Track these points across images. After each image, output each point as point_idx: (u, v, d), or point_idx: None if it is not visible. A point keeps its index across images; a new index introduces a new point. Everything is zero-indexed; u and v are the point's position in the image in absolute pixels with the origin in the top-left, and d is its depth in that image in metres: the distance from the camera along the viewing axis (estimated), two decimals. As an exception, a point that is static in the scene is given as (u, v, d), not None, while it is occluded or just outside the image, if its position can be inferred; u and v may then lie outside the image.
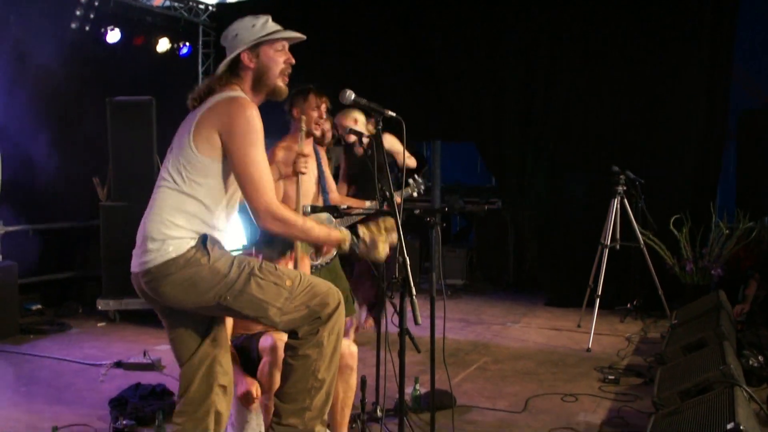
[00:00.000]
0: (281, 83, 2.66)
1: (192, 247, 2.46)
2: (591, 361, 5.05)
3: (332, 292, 2.63)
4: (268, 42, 2.61)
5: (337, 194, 4.11)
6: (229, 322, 3.25)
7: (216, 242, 2.52)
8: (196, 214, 2.49)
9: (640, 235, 5.90)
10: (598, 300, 5.62)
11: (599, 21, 6.83)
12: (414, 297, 2.36)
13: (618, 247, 5.84)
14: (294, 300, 2.54)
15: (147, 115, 6.34)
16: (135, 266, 2.52)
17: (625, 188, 5.81)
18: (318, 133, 3.74)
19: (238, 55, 2.60)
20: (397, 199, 4.08)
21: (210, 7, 8.91)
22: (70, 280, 6.91)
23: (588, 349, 5.35)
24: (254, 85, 2.63)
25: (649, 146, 6.66)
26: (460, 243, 8.82)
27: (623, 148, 6.63)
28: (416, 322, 2.36)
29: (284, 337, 2.74)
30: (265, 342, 3.07)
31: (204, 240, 2.47)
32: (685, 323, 5.12)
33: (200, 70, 9.01)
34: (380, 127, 2.70)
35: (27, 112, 6.43)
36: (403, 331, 2.46)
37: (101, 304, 6.18)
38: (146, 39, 7.95)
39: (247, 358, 3.20)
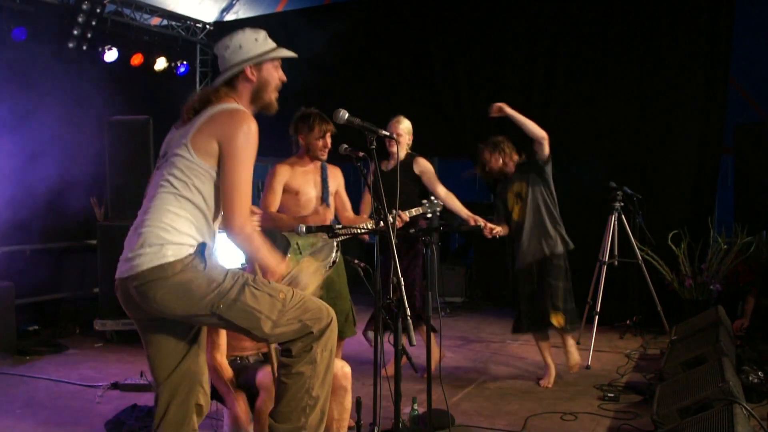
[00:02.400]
0: (274, 99, 2.70)
1: (191, 254, 2.43)
2: (590, 379, 5.02)
3: (324, 309, 2.63)
4: (269, 58, 2.64)
5: (350, 213, 4.19)
6: (223, 344, 3.25)
7: (212, 253, 2.53)
8: (196, 220, 2.49)
9: (638, 251, 5.89)
10: (597, 317, 5.60)
11: (596, 38, 6.85)
12: (408, 318, 2.35)
13: (616, 263, 5.82)
14: (287, 313, 2.54)
15: (144, 134, 6.36)
16: (123, 271, 2.47)
17: (622, 204, 5.81)
18: (324, 157, 3.98)
19: (243, 68, 2.61)
20: (405, 216, 4.13)
21: (207, 26, 8.97)
22: (67, 300, 6.89)
23: (587, 367, 5.32)
24: (252, 99, 2.65)
25: (646, 161, 6.67)
26: (459, 260, 8.80)
27: (621, 163, 6.64)
28: (410, 343, 2.35)
29: None
30: (264, 378, 3.05)
31: (203, 248, 2.47)
32: (684, 339, 5.10)
33: (198, 88, 9.05)
34: (374, 147, 2.69)
35: (23, 131, 6.45)
36: (398, 352, 2.45)
37: (98, 325, 6.15)
38: (144, 58, 8.00)
39: (242, 386, 3.18)
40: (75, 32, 7.14)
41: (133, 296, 2.47)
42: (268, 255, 2.63)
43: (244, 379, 3.22)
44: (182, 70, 8.42)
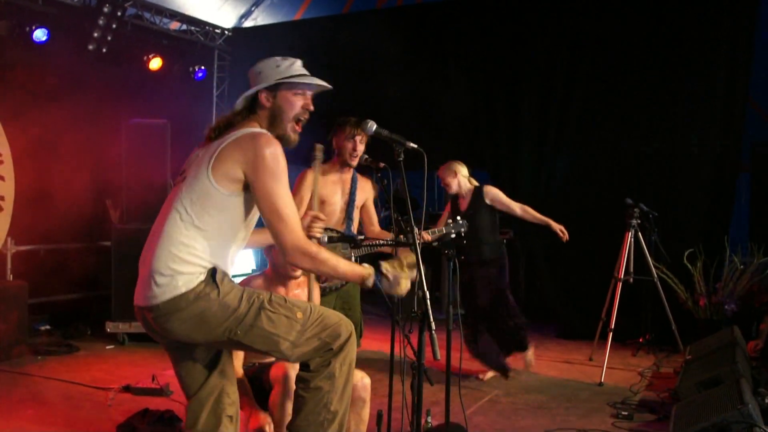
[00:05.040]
0: (291, 131, 2.62)
1: (201, 282, 2.40)
2: (604, 396, 4.98)
3: (343, 323, 2.61)
4: (288, 85, 2.60)
5: (377, 227, 4.17)
6: (240, 352, 3.24)
7: (225, 275, 2.48)
8: (206, 248, 2.43)
9: (654, 269, 5.85)
10: (611, 334, 5.56)
11: (614, 56, 6.84)
12: (433, 332, 2.33)
13: (632, 280, 5.79)
14: (305, 332, 2.51)
15: (162, 138, 6.38)
16: (140, 300, 2.45)
17: (639, 221, 5.78)
18: (354, 162, 3.95)
19: (257, 92, 2.60)
20: (426, 236, 4.10)
21: (226, 32, 9.01)
22: (80, 301, 6.91)
23: (600, 384, 5.28)
24: (269, 125, 2.60)
25: (662, 179, 6.65)
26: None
27: (637, 180, 6.62)
28: (435, 357, 2.33)
29: (296, 366, 2.72)
30: (276, 371, 3.05)
31: (213, 273, 2.42)
32: (699, 359, 5.05)
33: (215, 93, 9.09)
34: (401, 159, 2.68)
35: (41, 132, 6.49)
36: (421, 366, 2.43)
37: (110, 327, 6.17)
38: (163, 62, 8.03)
39: (259, 389, 3.17)
40: (96, 35, 7.19)
41: (152, 325, 2.49)
42: (351, 269, 2.56)
43: (260, 382, 3.21)
44: (200, 75, 8.45)
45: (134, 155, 6.33)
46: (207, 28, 8.82)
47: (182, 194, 2.47)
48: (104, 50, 7.27)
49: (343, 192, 4.03)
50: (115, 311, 6.20)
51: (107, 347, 6.13)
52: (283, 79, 2.58)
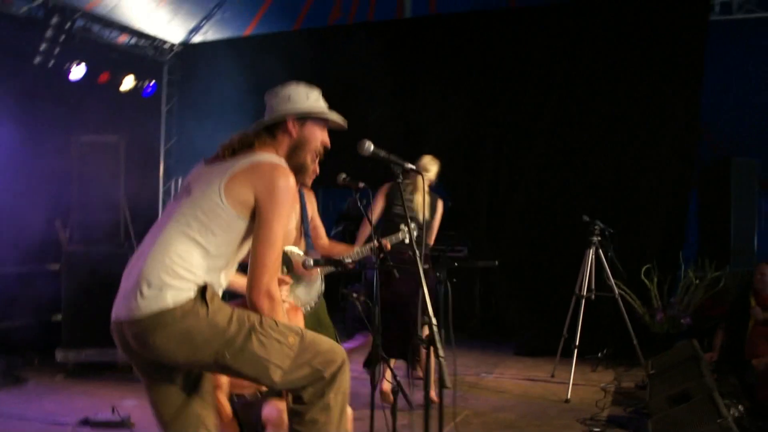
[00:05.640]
0: (310, 162, 2.60)
1: (191, 298, 2.28)
2: (572, 413, 5.02)
3: (336, 349, 2.50)
4: (316, 118, 2.58)
5: (325, 240, 4.07)
6: (225, 382, 3.10)
7: (215, 294, 2.37)
8: (202, 265, 2.33)
9: (614, 285, 5.95)
10: (576, 350, 5.61)
11: (573, 75, 7.01)
12: (442, 359, 2.28)
13: (593, 297, 5.87)
14: (297, 359, 2.39)
15: (115, 155, 6.14)
16: (121, 313, 2.31)
17: (600, 238, 5.88)
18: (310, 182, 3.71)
19: (285, 118, 2.54)
20: (387, 243, 4.05)
21: (175, 47, 8.80)
22: (25, 328, 6.51)
23: (566, 400, 5.32)
24: (288, 154, 2.55)
25: (617, 197, 6.81)
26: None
27: (593, 198, 6.76)
28: (444, 386, 2.27)
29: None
30: (269, 413, 2.92)
31: (203, 291, 2.31)
32: (662, 373, 5.16)
33: (164, 109, 8.85)
34: (400, 180, 2.63)
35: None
36: (428, 395, 2.37)
37: (60, 356, 5.84)
38: (111, 76, 7.77)
39: (246, 427, 3.04)
40: (42, 47, 6.89)
41: (129, 341, 2.33)
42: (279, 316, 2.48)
43: (246, 417, 3.08)
44: (149, 90, 8.21)
45: (85, 173, 6.07)
46: (156, 42, 8.59)
47: (186, 209, 2.38)
48: (51, 64, 6.99)
49: (295, 211, 3.88)
50: (65, 338, 5.89)
51: (57, 377, 5.80)
52: (314, 111, 2.56)
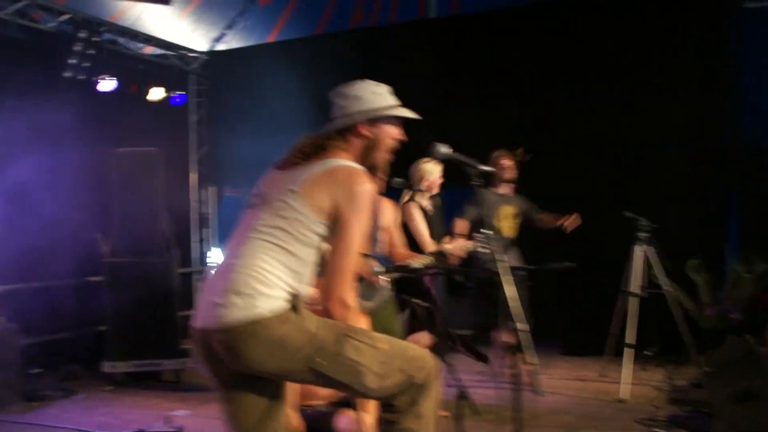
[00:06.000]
0: (384, 160, 2.56)
1: (283, 307, 2.25)
2: (628, 413, 4.92)
3: (426, 356, 2.45)
4: (386, 115, 2.52)
5: (402, 249, 4.00)
6: (294, 393, 3.05)
7: (303, 301, 2.34)
8: (287, 273, 2.30)
9: (664, 282, 5.84)
10: (631, 350, 5.49)
11: (614, 70, 6.90)
12: (535, 366, 2.21)
13: (646, 295, 5.75)
14: (390, 364, 2.34)
15: (153, 166, 6.13)
16: (208, 321, 2.27)
17: (647, 234, 5.77)
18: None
19: (355, 121, 2.49)
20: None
21: (201, 56, 8.79)
22: (71, 341, 6.52)
23: (621, 400, 5.23)
24: (361, 156, 2.51)
25: (656, 190, 6.69)
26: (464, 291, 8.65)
27: (633, 192, 6.65)
28: (538, 393, 2.21)
29: (367, 411, 2.56)
30: (346, 424, 2.87)
31: (293, 298, 2.28)
32: (719, 370, 5.03)
33: (193, 118, 8.86)
34: (479, 183, 2.57)
35: (17, 165, 6.14)
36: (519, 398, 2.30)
37: (107, 367, 5.84)
38: (139, 87, 7.77)
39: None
40: (72, 61, 6.90)
41: (215, 349, 2.28)
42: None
43: (316, 428, 3.03)
44: (178, 100, 8.22)
45: (125, 185, 6.05)
46: (182, 52, 8.59)
47: (266, 217, 2.35)
48: (80, 77, 6.99)
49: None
50: (111, 350, 5.89)
51: (106, 388, 5.80)
52: (383, 108, 2.51)
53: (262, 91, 8.01)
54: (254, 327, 2.21)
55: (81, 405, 5.39)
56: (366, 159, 2.50)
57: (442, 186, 4.71)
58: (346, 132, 2.50)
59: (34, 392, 5.48)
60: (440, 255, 3.36)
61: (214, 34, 8.84)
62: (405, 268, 3.11)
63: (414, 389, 2.38)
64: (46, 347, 6.35)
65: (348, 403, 3.12)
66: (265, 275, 2.26)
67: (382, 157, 2.55)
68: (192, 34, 8.59)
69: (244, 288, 2.23)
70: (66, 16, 6.86)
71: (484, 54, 7.48)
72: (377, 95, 2.53)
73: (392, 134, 2.55)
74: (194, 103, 8.87)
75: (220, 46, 8.97)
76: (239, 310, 2.21)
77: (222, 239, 8.44)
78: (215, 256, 8.60)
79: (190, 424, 4.58)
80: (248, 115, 8.08)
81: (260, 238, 2.32)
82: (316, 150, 2.43)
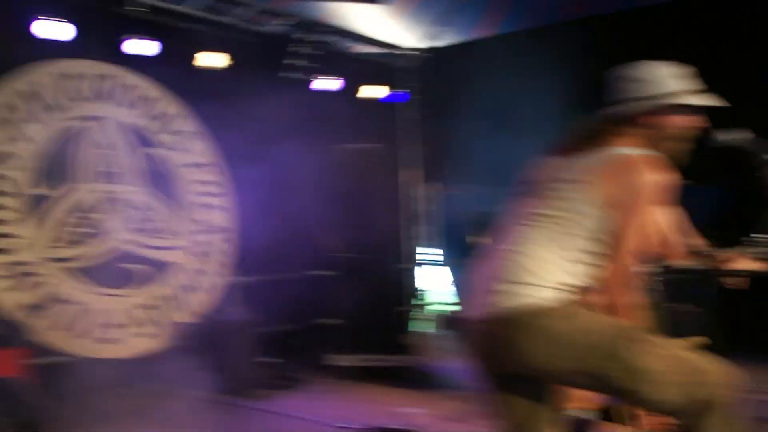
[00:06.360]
0: (678, 150, 2.32)
1: (559, 298, 2.15)
2: None
3: (717, 369, 2.14)
4: (667, 104, 2.27)
5: (679, 248, 3.55)
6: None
7: (580, 295, 2.20)
8: (566, 262, 2.19)
9: None
10: None
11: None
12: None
13: None
14: (672, 373, 2.09)
15: (385, 162, 6.23)
16: (483, 309, 2.20)
17: None
18: None
19: (635, 109, 2.29)
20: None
21: (421, 53, 8.78)
22: (300, 332, 6.76)
23: None
24: (649, 144, 2.30)
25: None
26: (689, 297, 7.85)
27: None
28: None
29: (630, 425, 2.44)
30: None
31: (572, 291, 2.17)
32: None
33: (414, 116, 8.87)
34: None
35: (256, 163, 6.42)
36: None
37: (340, 360, 5.97)
38: (358, 86, 7.90)
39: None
40: (292, 62, 7.13)
41: (493, 341, 2.18)
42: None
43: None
44: (399, 98, 8.31)
45: (355, 181, 6.18)
46: (396, 50, 8.63)
47: (540, 206, 2.27)
48: (303, 77, 7.19)
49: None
50: (337, 343, 6.03)
51: (335, 381, 5.87)
52: (668, 98, 2.26)
53: (479, 85, 7.81)
54: (528, 317, 2.14)
55: (306, 395, 5.49)
56: (655, 147, 2.29)
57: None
58: (626, 119, 2.30)
59: (267, 380, 5.66)
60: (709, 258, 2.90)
61: (425, 30, 8.79)
62: (688, 270, 2.73)
63: (700, 405, 2.09)
64: (277, 338, 6.60)
65: (607, 413, 2.83)
66: (541, 264, 2.18)
67: (673, 146, 2.32)
68: (407, 32, 8.62)
69: (520, 276, 2.18)
70: (286, 19, 7.00)
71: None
72: (662, 80, 2.29)
73: (680, 123, 2.30)
74: (413, 101, 8.88)
75: (439, 43, 8.92)
76: (516, 298, 2.15)
77: (445, 237, 8.33)
78: (428, 253, 8.52)
79: (424, 424, 4.47)
80: (469, 111, 7.92)
81: (535, 226, 2.25)
82: (595, 137, 2.30)
